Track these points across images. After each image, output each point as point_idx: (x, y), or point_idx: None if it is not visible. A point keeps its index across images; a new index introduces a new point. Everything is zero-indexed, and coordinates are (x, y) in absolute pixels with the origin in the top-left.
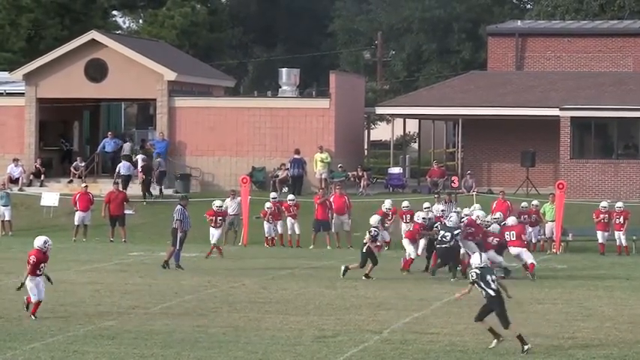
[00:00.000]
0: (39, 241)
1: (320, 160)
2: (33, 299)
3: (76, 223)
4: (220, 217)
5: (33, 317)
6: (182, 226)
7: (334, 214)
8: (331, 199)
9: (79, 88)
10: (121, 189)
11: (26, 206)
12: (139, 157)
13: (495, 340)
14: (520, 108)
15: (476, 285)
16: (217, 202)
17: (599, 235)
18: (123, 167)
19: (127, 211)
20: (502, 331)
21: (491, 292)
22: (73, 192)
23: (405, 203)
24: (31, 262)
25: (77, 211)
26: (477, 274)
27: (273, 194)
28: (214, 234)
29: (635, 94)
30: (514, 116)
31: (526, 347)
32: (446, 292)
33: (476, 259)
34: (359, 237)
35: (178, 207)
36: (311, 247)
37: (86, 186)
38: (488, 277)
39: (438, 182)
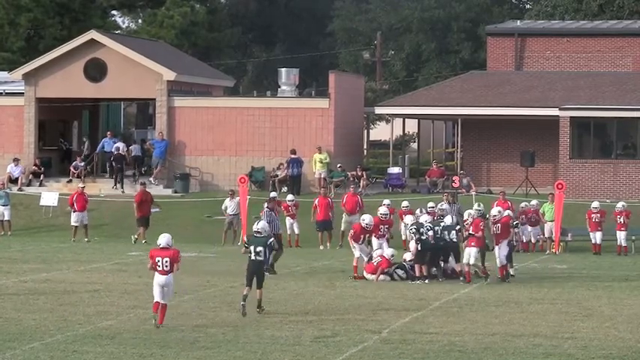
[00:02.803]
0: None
1: (319, 161)
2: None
3: (73, 223)
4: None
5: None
6: (270, 228)
7: (344, 213)
8: (344, 199)
9: (78, 88)
10: (147, 190)
11: (25, 206)
12: (120, 145)
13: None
14: (519, 108)
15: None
16: (290, 197)
17: (592, 235)
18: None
19: (153, 210)
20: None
21: (257, 258)
22: (72, 192)
23: (405, 203)
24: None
25: (74, 211)
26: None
27: (273, 193)
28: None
29: (634, 94)
30: (513, 116)
31: (259, 310)
32: (445, 292)
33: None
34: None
35: (265, 209)
36: (321, 247)
37: (83, 187)
38: (252, 247)
39: (437, 182)
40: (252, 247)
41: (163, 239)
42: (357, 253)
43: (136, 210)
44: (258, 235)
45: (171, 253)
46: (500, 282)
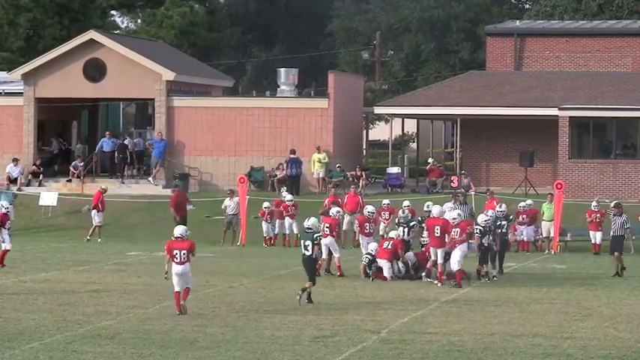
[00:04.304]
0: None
1: (317, 161)
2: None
3: (97, 223)
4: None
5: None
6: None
7: (345, 214)
8: (345, 199)
9: (77, 88)
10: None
11: (25, 206)
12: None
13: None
14: (519, 108)
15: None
16: (289, 197)
17: (592, 234)
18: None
19: (189, 207)
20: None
21: (306, 253)
22: (72, 191)
23: (406, 203)
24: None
25: (99, 211)
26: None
27: (289, 196)
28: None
29: (634, 94)
30: (513, 116)
31: (299, 296)
32: (444, 292)
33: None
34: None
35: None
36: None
37: (105, 189)
38: (302, 242)
39: (436, 182)
40: (302, 242)
41: (178, 230)
42: (324, 254)
43: (173, 212)
44: (309, 230)
45: (187, 244)
46: (455, 287)
